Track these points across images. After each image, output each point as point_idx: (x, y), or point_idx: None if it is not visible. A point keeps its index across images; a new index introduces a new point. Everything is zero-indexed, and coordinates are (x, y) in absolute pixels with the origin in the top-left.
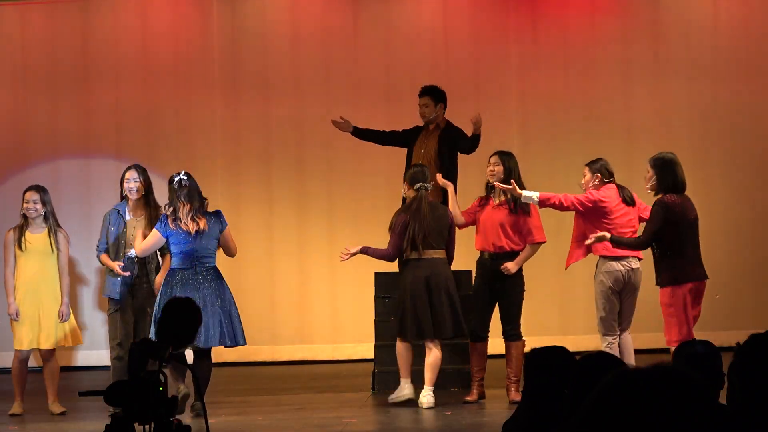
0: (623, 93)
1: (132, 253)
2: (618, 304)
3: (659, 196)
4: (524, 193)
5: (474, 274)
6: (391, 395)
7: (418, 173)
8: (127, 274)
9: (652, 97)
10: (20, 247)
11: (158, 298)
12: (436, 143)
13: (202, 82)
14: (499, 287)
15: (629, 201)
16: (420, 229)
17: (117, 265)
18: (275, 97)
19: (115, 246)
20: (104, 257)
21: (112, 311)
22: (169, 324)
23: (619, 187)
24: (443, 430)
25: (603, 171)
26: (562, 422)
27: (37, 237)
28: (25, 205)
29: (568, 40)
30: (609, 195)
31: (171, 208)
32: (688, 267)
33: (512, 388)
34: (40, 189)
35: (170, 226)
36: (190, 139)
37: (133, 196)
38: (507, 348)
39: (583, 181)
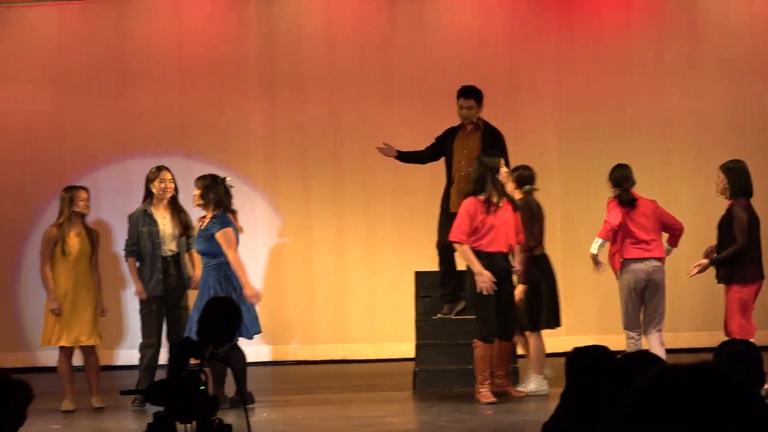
0: (659, 94)
1: (168, 252)
2: (640, 302)
3: (731, 200)
4: (593, 250)
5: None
6: (528, 387)
7: (528, 176)
8: (144, 296)
9: (688, 98)
10: (62, 246)
11: (203, 296)
12: (479, 142)
13: (239, 83)
14: (507, 287)
15: (628, 202)
16: (543, 227)
17: (138, 291)
18: (311, 98)
19: (149, 246)
20: (131, 262)
21: (145, 310)
22: (209, 323)
23: (621, 195)
24: (484, 429)
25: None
26: (603, 421)
27: (77, 236)
28: (80, 204)
29: (603, 41)
30: (615, 215)
31: (225, 209)
32: (758, 266)
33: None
34: (87, 189)
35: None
36: (227, 140)
37: (166, 196)
38: (510, 345)
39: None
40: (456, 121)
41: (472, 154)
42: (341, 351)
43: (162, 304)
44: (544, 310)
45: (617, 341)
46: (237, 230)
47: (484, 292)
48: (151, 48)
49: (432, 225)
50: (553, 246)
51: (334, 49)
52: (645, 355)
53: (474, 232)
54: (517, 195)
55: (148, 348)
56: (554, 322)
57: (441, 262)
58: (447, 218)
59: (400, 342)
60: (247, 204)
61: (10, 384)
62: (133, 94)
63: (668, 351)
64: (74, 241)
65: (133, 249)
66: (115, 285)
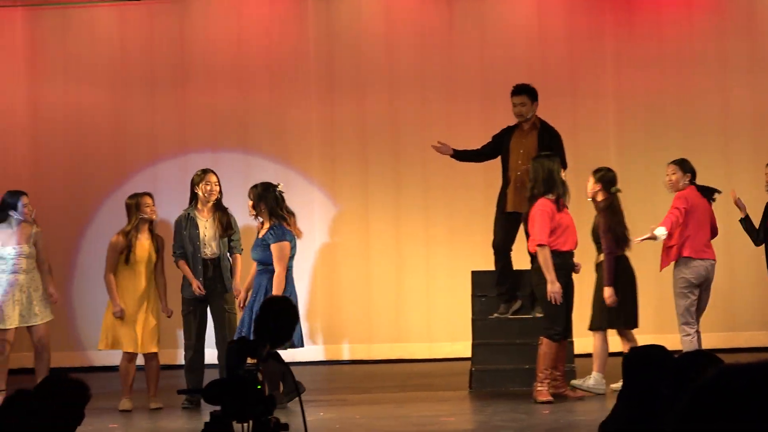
0: (720, 89)
1: (208, 255)
2: (697, 298)
3: None
4: (658, 234)
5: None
6: (587, 383)
7: (612, 176)
8: (203, 293)
9: (750, 94)
10: (128, 254)
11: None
12: (536, 142)
13: (298, 82)
14: (572, 285)
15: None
16: (625, 228)
17: (196, 285)
18: (370, 97)
19: (190, 248)
20: (183, 264)
21: (186, 312)
22: (267, 322)
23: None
24: (540, 428)
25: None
26: (661, 421)
27: (142, 244)
28: (146, 210)
29: (663, 37)
30: (687, 195)
31: (282, 220)
32: None
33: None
34: (152, 195)
35: (291, 231)
36: (286, 139)
37: (211, 199)
38: (566, 344)
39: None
40: (515, 121)
41: (529, 154)
42: (397, 351)
43: (202, 307)
44: (617, 309)
45: (671, 340)
46: (295, 237)
47: (553, 302)
48: (210, 48)
49: (487, 224)
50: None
51: (393, 48)
52: (703, 355)
53: (552, 232)
54: (601, 196)
55: (188, 349)
56: (632, 322)
57: (497, 262)
58: (503, 218)
59: (456, 341)
60: (306, 203)
61: (69, 383)
62: (194, 94)
63: (726, 351)
64: (140, 249)
65: (181, 252)
66: (176, 285)
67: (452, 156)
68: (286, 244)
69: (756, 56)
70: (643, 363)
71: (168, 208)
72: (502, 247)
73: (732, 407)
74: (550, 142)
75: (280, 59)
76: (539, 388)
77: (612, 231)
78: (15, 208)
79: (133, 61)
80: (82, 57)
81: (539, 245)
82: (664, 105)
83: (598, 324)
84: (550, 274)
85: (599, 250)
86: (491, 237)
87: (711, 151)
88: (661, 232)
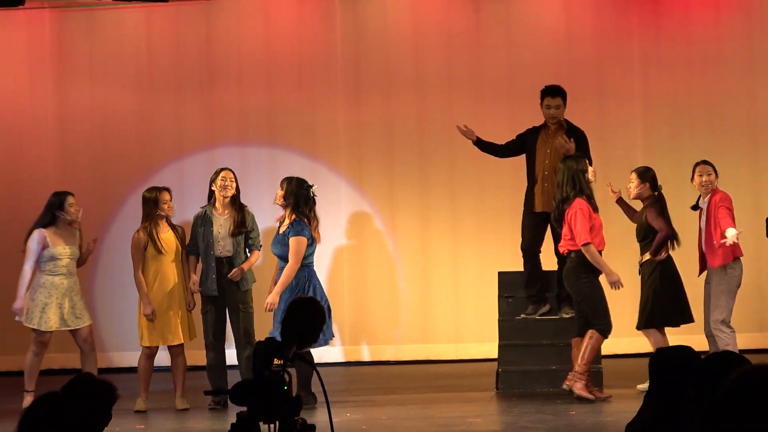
0: (747, 90)
1: (222, 254)
2: None
3: None
4: (729, 235)
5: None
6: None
7: (655, 175)
8: (199, 289)
9: None
10: (155, 248)
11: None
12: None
13: (325, 83)
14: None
15: None
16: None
17: (192, 282)
18: (397, 97)
19: (203, 246)
20: (191, 258)
21: (204, 311)
22: (294, 323)
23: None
24: (568, 429)
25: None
26: (688, 422)
27: (167, 237)
28: (164, 206)
29: (691, 38)
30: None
31: (304, 217)
32: None
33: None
34: (170, 190)
35: (312, 233)
36: (313, 138)
37: (227, 194)
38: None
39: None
40: (541, 120)
41: (556, 154)
42: (424, 351)
43: (219, 305)
44: (670, 307)
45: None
46: (314, 240)
47: (617, 288)
48: (238, 49)
49: (515, 225)
50: (636, 245)
51: (420, 49)
52: (730, 356)
53: (590, 231)
54: (647, 194)
55: (208, 349)
56: (688, 317)
57: (525, 263)
58: (531, 218)
59: (484, 342)
60: (333, 201)
61: (96, 384)
62: (221, 94)
63: (758, 351)
64: (166, 242)
65: (194, 249)
66: None
67: (474, 142)
68: (304, 240)
69: None
70: (670, 364)
71: (194, 206)
72: (530, 249)
73: (756, 407)
74: (577, 143)
75: (308, 60)
76: (578, 382)
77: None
78: (61, 208)
79: (159, 62)
80: (108, 57)
81: (584, 244)
82: (690, 106)
83: (650, 321)
84: (604, 267)
85: (644, 250)
86: (519, 237)
87: (737, 151)
88: (733, 232)
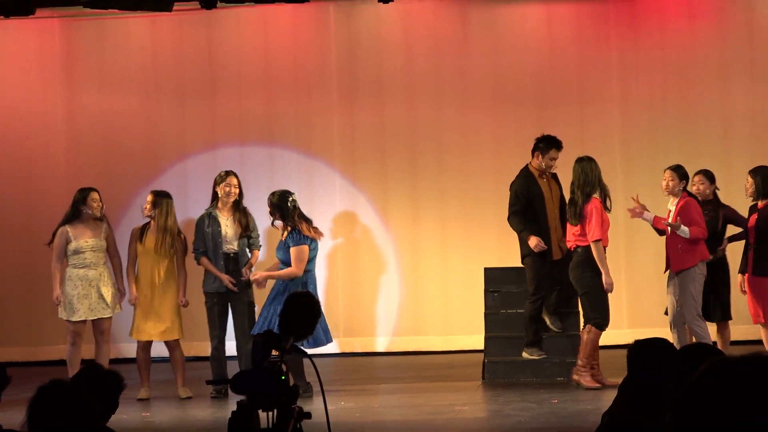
0: (720, 96)
1: (229, 251)
2: None
3: (765, 201)
4: (681, 232)
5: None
6: None
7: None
8: (236, 289)
9: (748, 100)
10: (143, 246)
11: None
12: (558, 189)
13: (320, 88)
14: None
15: None
16: None
17: (227, 280)
18: (389, 102)
19: (213, 245)
20: (205, 260)
21: (209, 305)
22: (291, 317)
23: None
24: (550, 417)
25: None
26: (663, 410)
27: (151, 239)
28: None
29: (666, 45)
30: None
31: (296, 226)
32: None
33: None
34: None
35: (305, 232)
36: (310, 143)
37: (230, 200)
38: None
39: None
40: (527, 129)
41: (557, 199)
42: (415, 343)
43: (224, 299)
44: (714, 302)
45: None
46: (316, 241)
47: (609, 293)
48: (238, 57)
49: (498, 225)
50: (616, 247)
51: (410, 57)
52: (704, 347)
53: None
54: (708, 190)
55: (213, 340)
56: (727, 314)
57: (535, 309)
58: (547, 267)
59: (471, 335)
60: (327, 204)
61: (104, 373)
62: (222, 100)
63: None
64: (150, 239)
65: (202, 250)
66: (197, 280)
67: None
68: (305, 248)
69: (755, 64)
70: (645, 355)
71: (196, 207)
72: (544, 296)
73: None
74: (557, 183)
75: (304, 67)
76: (584, 375)
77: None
78: (84, 203)
79: (163, 68)
80: (116, 64)
81: (595, 241)
82: (666, 110)
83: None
84: (604, 268)
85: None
86: (503, 237)
87: (711, 155)
88: (686, 233)
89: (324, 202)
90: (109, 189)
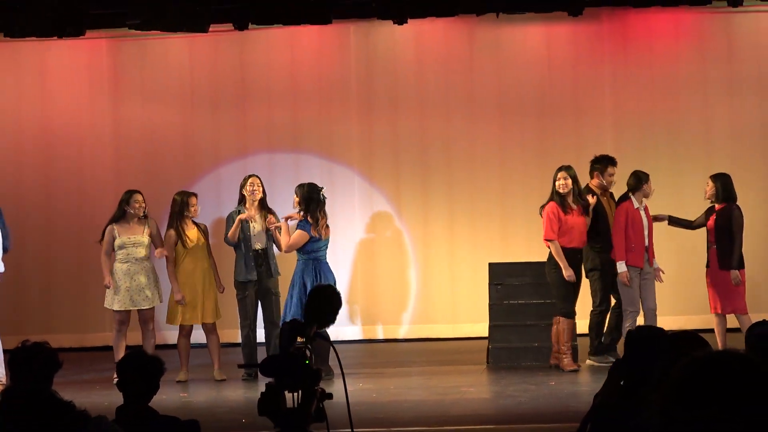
0: (702, 109)
1: (258, 248)
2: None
3: (722, 204)
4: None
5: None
6: None
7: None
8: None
9: (727, 112)
10: (182, 240)
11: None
12: (615, 205)
13: (341, 101)
14: (580, 275)
15: None
16: None
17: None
18: (403, 113)
19: (241, 240)
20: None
21: (241, 296)
22: (315, 306)
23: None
24: (547, 397)
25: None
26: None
27: (192, 229)
28: (192, 210)
29: (654, 62)
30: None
31: (313, 218)
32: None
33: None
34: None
35: (312, 232)
36: (331, 150)
37: (256, 198)
38: (572, 323)
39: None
40: (528, 137)
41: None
42: (426, 331)
43: (254, 290)
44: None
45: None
46: (319, 237)
47: (569, 281)
48: (268, 72)
49: (503, 223)
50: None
51: (422, 73)
52: (691, 336)
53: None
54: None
55: (244, 328)
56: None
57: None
58: (608, 280)
59: (476, 323)
60: (347, 204)
61: (145, 358)
62: (252, 112)
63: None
64: (191, 237)
65: (232, 243)
66: (229, 271)
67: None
68: (305, 235)
69: (734, 80)
70: (644, 340)
71: (230, 205)
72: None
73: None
74: (614, 200)
75: (327, 82)
76: (565, 360)
77: None
78: (129, 204)
79: (200, 84)
80: (157, 81)
81: (547, 240)
82: (654, 122)
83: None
84: (562, 261)
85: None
86: (506, 234)
87: (694, 162)
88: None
89: (344, 202)
90: (152, 192)
